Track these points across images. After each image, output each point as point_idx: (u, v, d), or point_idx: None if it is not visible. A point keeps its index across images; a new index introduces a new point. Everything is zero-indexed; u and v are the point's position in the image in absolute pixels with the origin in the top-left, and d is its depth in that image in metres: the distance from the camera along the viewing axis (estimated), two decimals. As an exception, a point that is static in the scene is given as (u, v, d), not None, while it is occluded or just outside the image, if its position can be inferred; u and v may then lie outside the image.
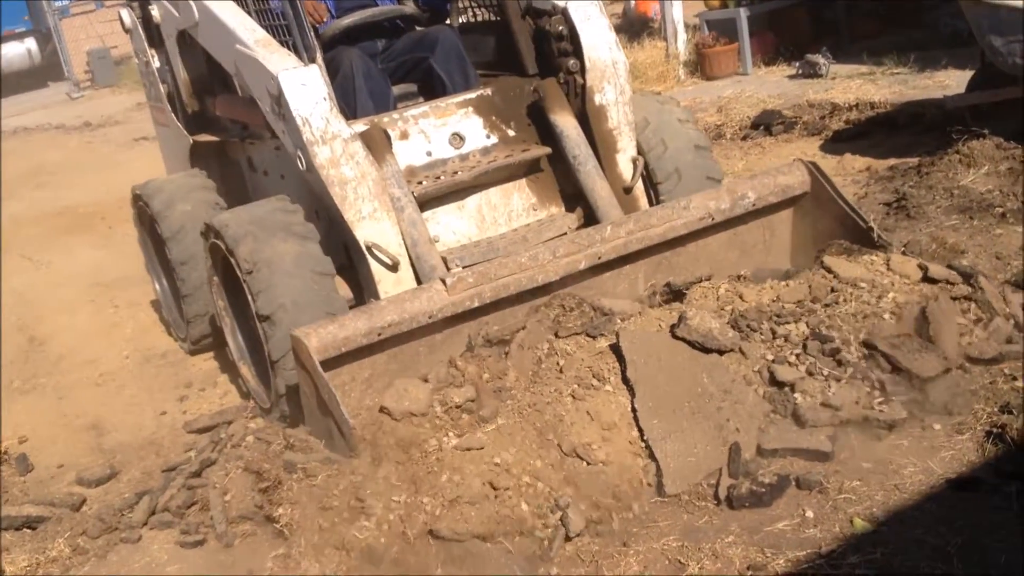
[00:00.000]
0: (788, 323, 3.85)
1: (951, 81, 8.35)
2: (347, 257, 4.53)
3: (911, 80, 8.81)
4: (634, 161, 4.87)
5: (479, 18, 5.69)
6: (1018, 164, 5.84)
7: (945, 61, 9.05)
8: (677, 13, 11.79)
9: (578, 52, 4.77)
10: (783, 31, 11.21)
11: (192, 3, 5.15)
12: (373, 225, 4.30)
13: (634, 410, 3.55)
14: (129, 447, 4.78)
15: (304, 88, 4.23)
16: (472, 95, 4.86)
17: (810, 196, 4.58)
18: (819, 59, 9.87)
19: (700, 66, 11.18)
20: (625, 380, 3.62)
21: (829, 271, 4.11)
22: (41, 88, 24.14)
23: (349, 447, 3.49)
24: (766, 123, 8.61)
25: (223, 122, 5.87)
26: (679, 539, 3.25)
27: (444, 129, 4.74)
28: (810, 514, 3.24)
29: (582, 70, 4.77)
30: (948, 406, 3.63)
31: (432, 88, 5.15)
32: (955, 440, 3.51)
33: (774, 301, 4.01)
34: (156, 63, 6.16)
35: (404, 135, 4.67)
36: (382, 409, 3.43)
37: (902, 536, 3.05)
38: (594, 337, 3.87)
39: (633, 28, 13.74)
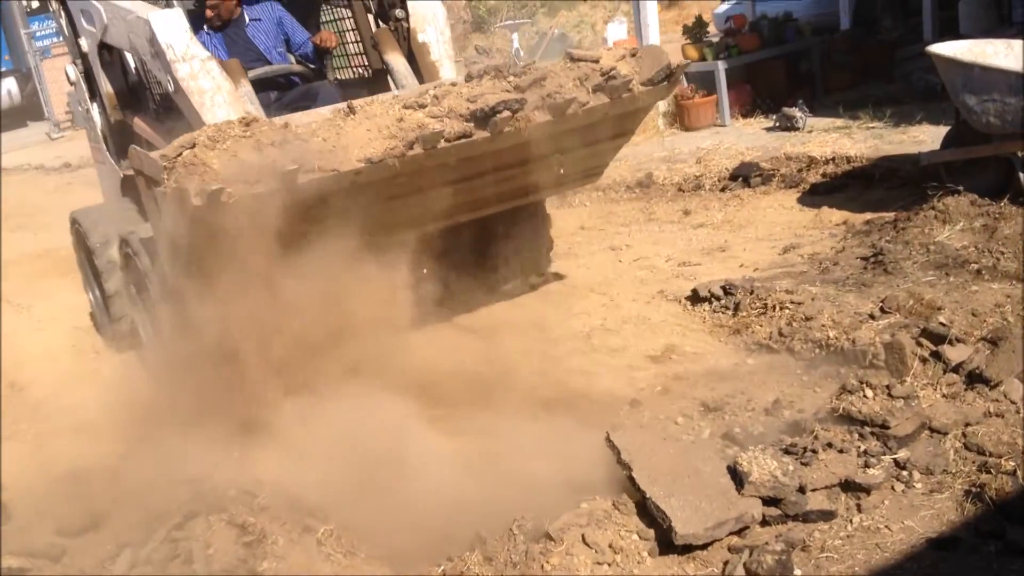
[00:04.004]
0: None
1: (926, 136, 8.49)
2: None
3: (886, 135, 8.95)
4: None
5: (357, 75, 6.85)
6: (992, 221, 5.96)
7: (920, 116, 9.22)
8: (656, 65, 11.93)
9: (404, 4, 5.87)
10: (760, 84, 11.37)
11: (100, 7, 5.89)
12: None
13: (634, 482, 3.63)
14: (110, 497, 4.73)
15: (168, 23, 5.09)
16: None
17: None
18: (796, 112, 10.01)
19: (679, 117, 11.30)
20: (620, 462, 3.75)
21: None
22: (20, 128, 24.08)
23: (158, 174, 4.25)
24: (744, 175, 8.72)
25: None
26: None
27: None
28: (797, 572, 3.27)
29: (407, 18, 5.83)
30: (928, 466, 3.69)
31: None
32: (935, 499, 3.56)
33: None
34: (95, 111, 6.93)
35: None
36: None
37: (884, 596, 3.10)
38: None
39: (613, 77, 13.87)
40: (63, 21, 6.90)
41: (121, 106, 6.65)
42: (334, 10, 6.98)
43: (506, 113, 4.62)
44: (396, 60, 5.84)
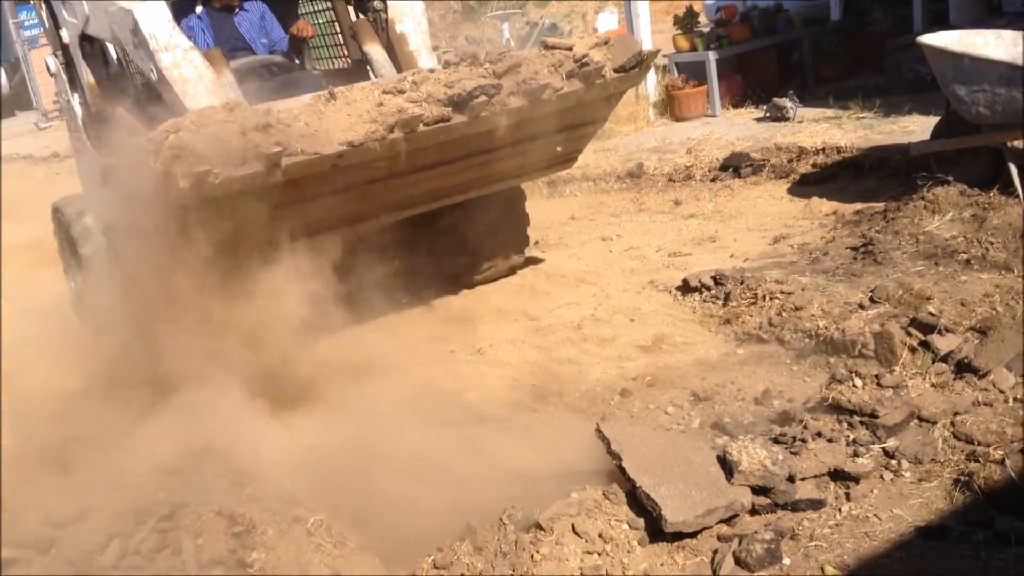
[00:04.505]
0: None
1: (915, 126, 8.50)
2: None
3: (876, 125, 8.96)
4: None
5: (336, 65, 6.98)
6: (981, 211, 5.96)
7: (909, 107, 9.22)
8: (647, 55, 11.92)
9: None
10: (751, 74, 11.37)
11: (83, 1, 5.94)
12: None
13: (623, 471, 3.61)
14: (99, 487, 4.70)
15: (152, 13, 5.16)
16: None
17: None
18: (786, 102, 10.00)
19: (669, 107, 11.30)
20: (610, 452, 3.73)
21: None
22: (9, 117, 23.97)
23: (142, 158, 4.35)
24: (735, 165, 8.73)
25: None
26: (652, 585, 3.27)
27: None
28: (786, 561, 3.28)
29: (385, 9, 5.94)
30: (917, 455, 3.69)
31: None
32: (923, 488, 3.57)
33: None
34: (75, 101, 6.91)
35: None
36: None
37: (873, 584, 3.10)
38: None
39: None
40: (44, 13, 6.92)
41: (102, 96, 6.67)
42: (313, 3, 7.06)
43: (483, 98, 4.80)
44: (375, 50, 5.98)
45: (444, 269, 6.67)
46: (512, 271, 6.91)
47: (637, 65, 5.31)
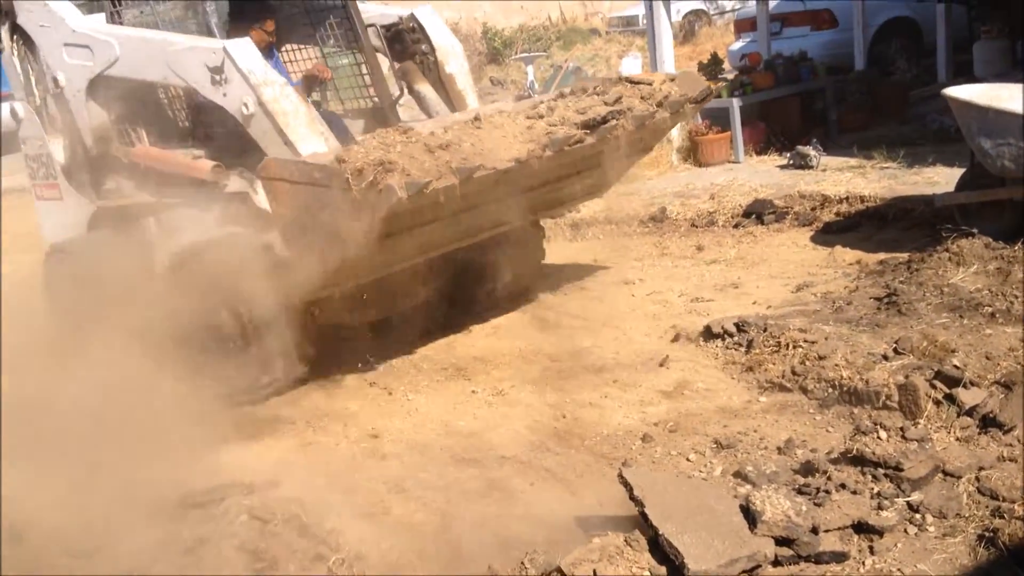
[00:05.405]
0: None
1: (939, 178, 8.51)
2: None
3: (900, 175, 8.97)
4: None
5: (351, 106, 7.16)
6: (1006, 264, 5.96)
7: (932, 158, 9.24)
8: (671, 100, 11.99)
9: (428, 41, 6.60)
10: (774, 121, 11.41)
11: (112, 40, 6.08)
12: (310, 145, 5.45)
13: (646, 518, 3.60)
14: (119, 519, 4.71)
15: (245, 50, 5.48)
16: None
17: None
18: (810, 151, 10.03)
19: (693, 153, 11.34)
20: (632, 498, 3.71)
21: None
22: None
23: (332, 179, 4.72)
24: (758, 212, 8.75)
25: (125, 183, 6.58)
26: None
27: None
28: (809, 616, 3.26)
29: (432, 52, 6.57)
30: (942, 509, 3.67)
31: None
32: (948, 543, 3.54)
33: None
34: (54, 146, 6.79)
35: None
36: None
37: (897, 640, 3.07)
38: None
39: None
40: (16, 58, 6.79)
41: (104, 140, 6.57)
42: (324, 47, 7.18)
43: (613, 121, 5.53)
44: (426, 89, 6.56)
45: (466, 296, 6.96)
46: (526, 286, 7.31)
47: (706, 97, 6.22)
